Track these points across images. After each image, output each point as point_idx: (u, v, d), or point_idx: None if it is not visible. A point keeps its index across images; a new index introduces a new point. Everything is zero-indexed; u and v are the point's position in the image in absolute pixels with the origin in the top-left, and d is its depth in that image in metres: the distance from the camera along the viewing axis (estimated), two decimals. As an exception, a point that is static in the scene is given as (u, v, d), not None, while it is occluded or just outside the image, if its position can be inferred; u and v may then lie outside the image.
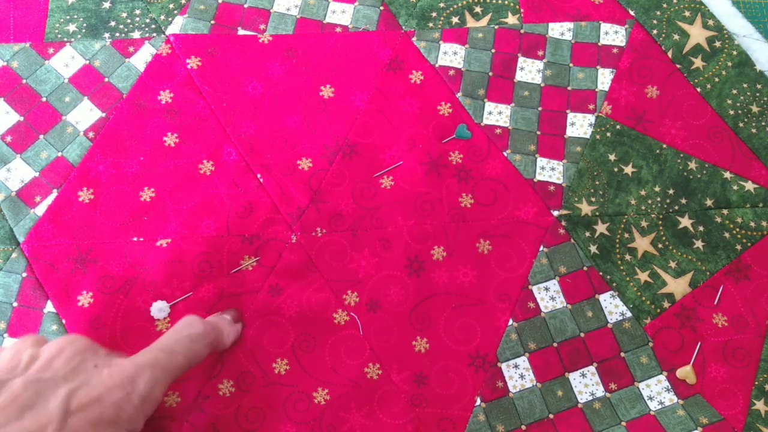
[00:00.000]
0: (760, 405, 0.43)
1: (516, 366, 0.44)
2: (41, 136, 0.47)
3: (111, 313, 0.44)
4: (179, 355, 0.36)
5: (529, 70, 0.51)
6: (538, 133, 0.49)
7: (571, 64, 0.51)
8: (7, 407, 0.28)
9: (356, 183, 0.48)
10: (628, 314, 0.45)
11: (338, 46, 0.51)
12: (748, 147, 0.49)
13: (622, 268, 0.46)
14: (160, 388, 0.34)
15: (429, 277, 0.46)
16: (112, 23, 0.50)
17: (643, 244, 0.47)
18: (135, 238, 0.45)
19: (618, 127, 0.49)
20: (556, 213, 0.47)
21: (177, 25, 0.50)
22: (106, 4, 0.51)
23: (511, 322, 0.45)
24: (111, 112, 0.48)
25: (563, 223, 0.47)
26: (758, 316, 0.45)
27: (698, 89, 0.50)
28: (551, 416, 0.43)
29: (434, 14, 0.52)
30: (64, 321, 0.43)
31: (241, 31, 0.51)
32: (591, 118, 0.50)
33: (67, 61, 0.49)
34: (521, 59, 0.51)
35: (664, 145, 0.49)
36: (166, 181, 0.47)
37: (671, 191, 0.48)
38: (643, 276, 0.46)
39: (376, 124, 0.49)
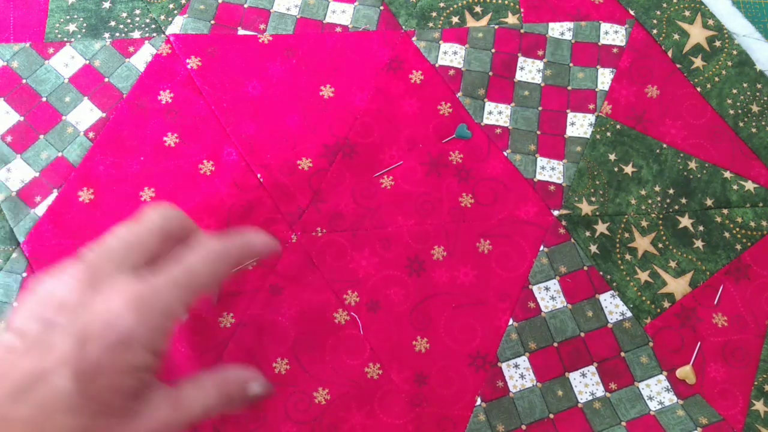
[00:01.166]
0: (759, 405, 0.44)
1: (516, 366, 0.44)
2: (41, 136, 0.47)
3: (111, 313, 0.44)
4: (199, 274, 0.35)
5: (529, 70, 0.51)
6: (538, 132, 0.49)
7: (571, 64, 0.51)
8: (29, 351, 0.30)
9: (356, 183, 0.48)
10: (629, 314, 0.45)
11: (338, 46, 0.51)
12: (748, 147, 0.49)
13: (622, 267, 0.46)
14: (179, 307, 0.33)
15: (429, 276, 0.46)
16: (112, 23, 0.50)
17: (643, 243, 0.47)
18: (135, 238, 0.45)
19: (618, 126, 0.49)
20: (556, 213, 0.47)
21: (177, 25, 0.50)
22: (106, 4, 0.51)
23: (511, 321, 0.45)
24: (111, 112, 0.48)
25: (563, 223, 0.47)
26: (758, 316, 0.45)
27: (698, 89, 0.50)
28: (551, 416, 0.43)
29: (434, 14, 0.52)
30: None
31: (241, 31, 0.51)
32: (591, 117, 0.50)
33: (67, 61, 0.49)
34: (521, 59, 0.51)
35: (664, 145, 0.49)
36: (166, 181, 0.47)
37: (671, 191, 0.48)
38: (643, 276, 0.46)
39: (376, 124, 0.49)
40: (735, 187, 0.48)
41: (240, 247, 0.38)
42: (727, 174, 0.48)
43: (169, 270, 0.34)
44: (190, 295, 0.34)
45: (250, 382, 0.38)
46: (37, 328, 0.30)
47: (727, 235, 0.47)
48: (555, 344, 0.45)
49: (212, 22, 0.51)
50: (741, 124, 0.50)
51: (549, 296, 0.45)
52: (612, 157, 0.49)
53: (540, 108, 0.50)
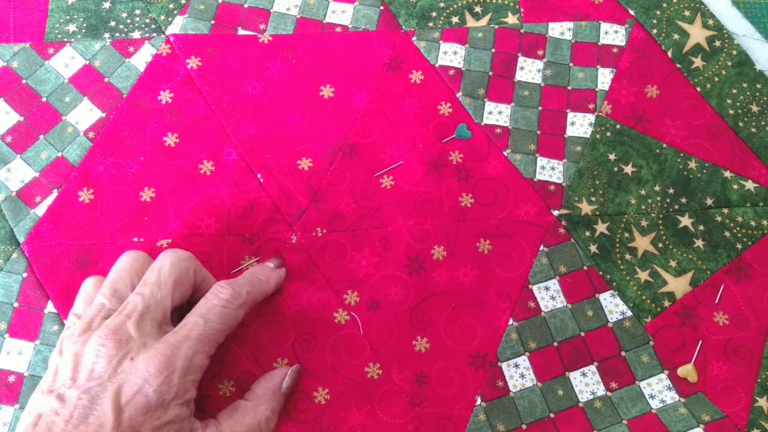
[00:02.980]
0: (762, 402, 0.43)
1: (516, 365, 0.44)
2: (41, 136, 0.47)
3: (111, 313, 0.43)
4: (214, 323, 0.37)
5: (529, 70, 0.51)
6: (538, 132, 0.49)
7: (571, 64, 0.51)
8: (72, 418, 0.33)
9: (356, 183, 0.48)
10: (629, 313, 0.45)
11: (338, 46, 0.51)
12: (748, 146, 0.49)
13: (622, 267, 0.46)
14: (201, 357, 0.36)
15: (429, 276, 0.46)
16: (112, 23, 0.50)
17: (643, 243, 0.47)
18: (135, 239, 0.45)
19: (618, 126, 0.49)
20: (556, 212, 0.47)
21: (177, 25, 0.50)
22: (106, 4, 0.51)
23: (511, 321, 0.45)
24: (111, 112, 0.48)
25: (563, 223, 0.47)
26: (760, 314, 0.45)
27: (698, 89, 0.51)
28: (552, 415, 0.43)
29: (434, 14, 0.52)
30: (65, 321, 0.43)
31: (241, 31, 0.51)
32: (591, 117, 0.50)
33: (67, 61, 0.49)
34: (521, 59, 0.51)
35: (664, 145, 0.49)
36: (166, 181, 0.47)
37: (671, 190, 0.48)
38: (643, 275, 0.46)
39: (376, 123, 0.49)
40: (735, 186, 0.48)
41: (248, 290, 0.40)
42: (727, 173, 0.48)
43: (185, 324, 0.37)
44: (208, 345, 0.37)
45: (282, 384, 0.42)
46: (77, 395, 0.34)
47: (727, 234, 0.47)
48: (555, 344, 0.44)
49: (212, 22, 0.51)
50: (741, 124, 0.50)
51: (549, 296, 0.45)
52: (612, 156, 0.49)
53: (540, 108, 0.50)
